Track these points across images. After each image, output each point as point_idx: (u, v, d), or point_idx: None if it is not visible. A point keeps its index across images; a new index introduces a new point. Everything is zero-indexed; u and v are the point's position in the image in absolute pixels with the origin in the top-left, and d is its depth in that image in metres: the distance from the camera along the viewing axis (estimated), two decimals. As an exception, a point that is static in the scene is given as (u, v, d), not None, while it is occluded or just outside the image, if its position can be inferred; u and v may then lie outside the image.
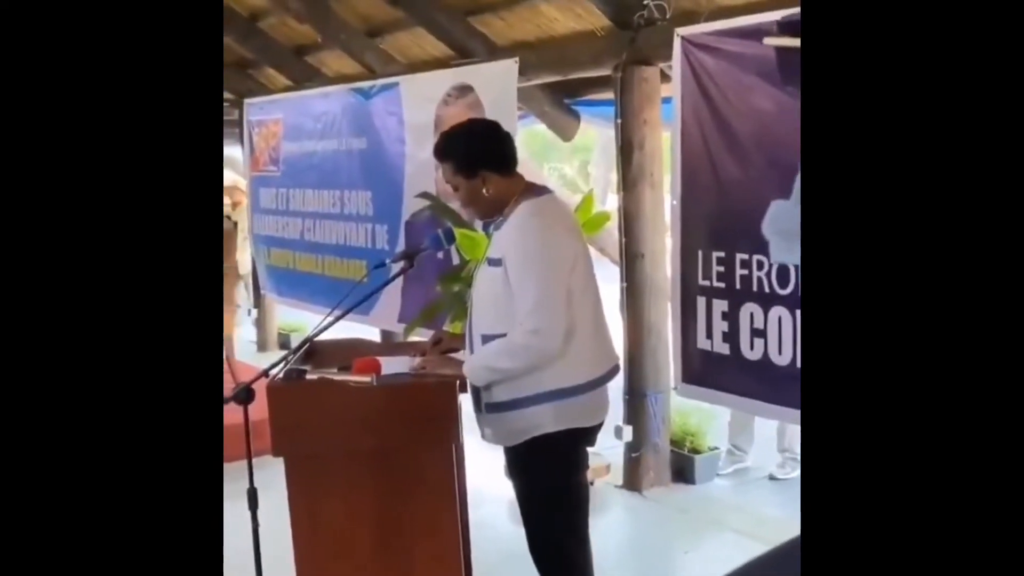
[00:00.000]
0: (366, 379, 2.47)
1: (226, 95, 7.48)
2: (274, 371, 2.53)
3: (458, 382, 2.54)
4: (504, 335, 2.45)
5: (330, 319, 2.63)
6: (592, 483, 4.37)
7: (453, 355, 2.72)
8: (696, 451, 4.53)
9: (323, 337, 2.75)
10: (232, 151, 8.96)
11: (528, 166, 5.86)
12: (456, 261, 4.46)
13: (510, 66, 4.53)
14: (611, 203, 4.56)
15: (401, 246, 5.36)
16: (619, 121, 4.25)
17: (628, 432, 4.37)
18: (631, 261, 4.29)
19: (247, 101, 6.98)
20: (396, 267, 2.79)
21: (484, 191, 2.54)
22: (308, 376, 2.51)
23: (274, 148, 6.71)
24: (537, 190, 2.58)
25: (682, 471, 4.52)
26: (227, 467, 3.63)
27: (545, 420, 2.47)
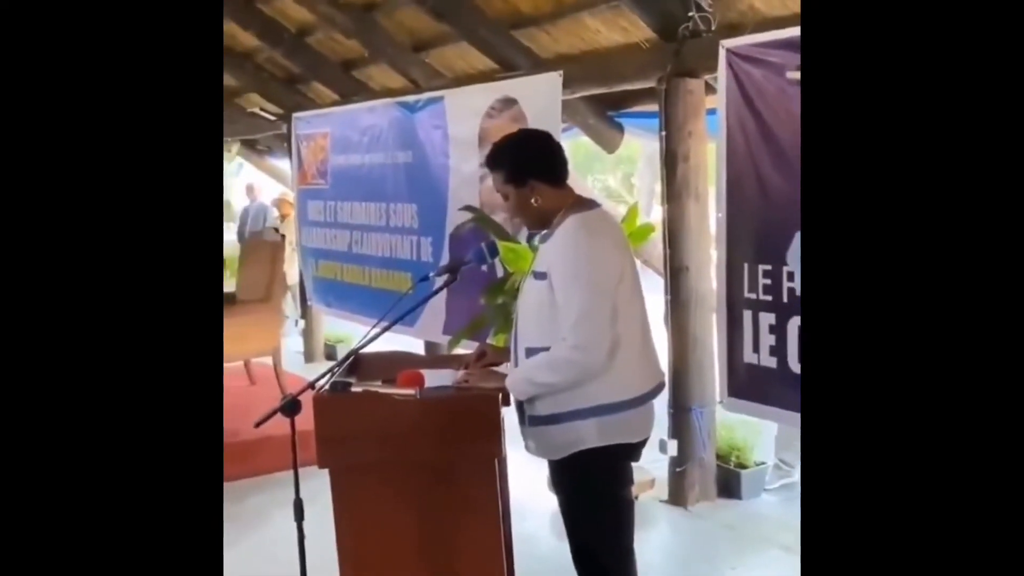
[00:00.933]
0: (410, 392, 2.48)
1: (275, 109, 7.59)
2: (320, 383, 2.56)
3: (501, 395, 2.55)
4: (548, 349, 2.45)
5: (375, 331, 2.65)
6: (637, 498, 4.34)
7: (496, 368, 2.72)
8: (742, 466, 4.48)
9: (368, 349, 2.78)
10: (281, 164, 9.10)
11: (571, 178, 5.87)
12: (500, 273, 4.48)
13: (554, 79, 4.54)
14: (655, 215, 4.55)
15: (445, 258, 5.38)
16: (663, 133, 4.23)
17: (673, 446, 4.34)
18: (675, 274, 4.27)
19: (295, 115, 7.08)
20: (440, 280, 2.80)
21: (533, 201, 2.54)
22: (353, 388, 2.53)
23: (322, 161, 6.79)
24: (586, 203, 2.58)
25: (728, 486, 4.48)
26: (274, 477, 3.68)
27: (589, 435, 2.46)
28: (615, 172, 21.48)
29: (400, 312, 2.64)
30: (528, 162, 2.55)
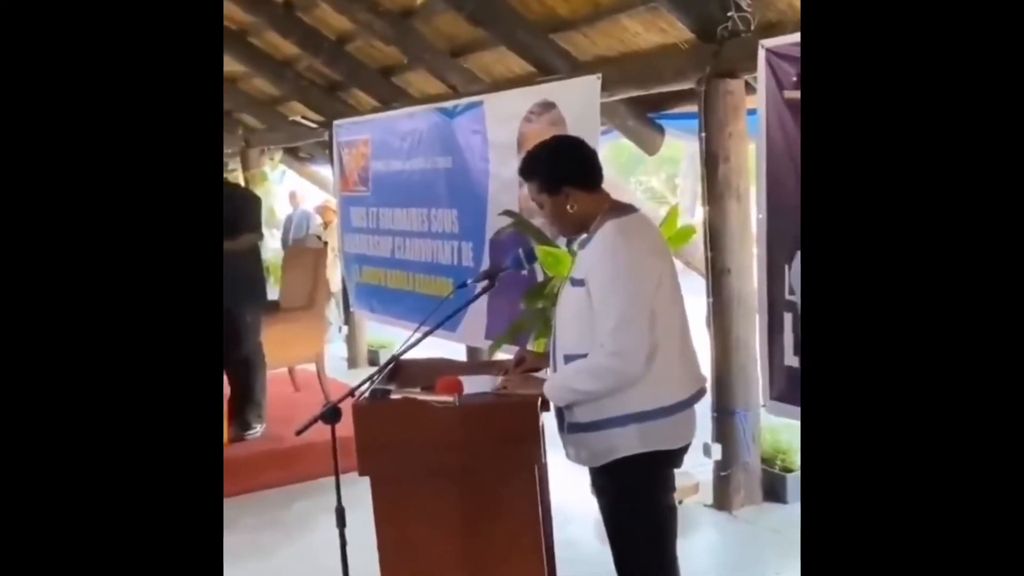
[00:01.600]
0: (449, 399, 2.49)
1: (316, 117, 7.66)
2: (360, 391, 2.57)
3: (540, 401, 2.54)
4: (587, 355, 2.43)
5: (415, 338, 2.65)
6: (681, 502, 4.30)
7: (535, 374, 2.71)
8: (788, 469, 4.42)
9: (409, 355, 2.78)
10: (323, 171, 9.18)
11: (612, 180, 5.85)
12: (540, 278, 4.47)
13: (592, 82, 4.52)
14: (699, 215, 4.51)
15: (486, 263, 5.39)
16: (703, 134, 4.20)
17: (717, 450, 4.30)
18: (717, 276, 4.23)
19: (336, 123, 7.13)
20: (478, 287, 2.80)
21: (568, 208, 2.53)
22: (392, 396, 2.54)
23: (363, 168, 6.83)
24: (623, 208, 2.56)
25: (773, 490, 4.42)
26: (319, 482, 3.69)
27: (629, 442, 2.44)
28: (658, 173, 21.37)
29: (439, 319, 2.65)
30: (562, 169, 2.54)
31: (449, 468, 2.49)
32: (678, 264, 4.09)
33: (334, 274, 8.14)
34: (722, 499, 4.37)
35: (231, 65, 7.79)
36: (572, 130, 4.53)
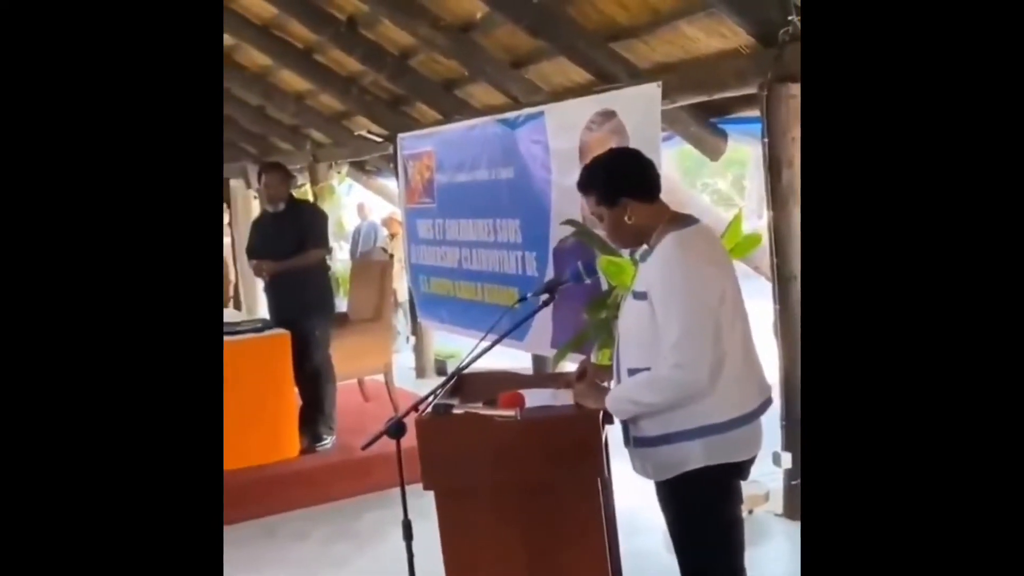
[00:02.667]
0: (510, 414, 2.50)
1: (380, 131, 7.76)
2: (423, 405, 2.60)
3: (602, 415, 2.54)
4: (650, 368, 2.43)
5: (476, 352, 2.67)
6: (751, 512, 4.25)
7: (598, 387, 2.71)
8: (861, 478, 4.32)
9: (474, 365, 2.80)
10: (389, 183, 9.29)
11: (677, 185, 5.81)
12: (604, 287, 4.46)
13: (653, 90, 4.50)
14: (767, 217, 4.44)
15: (550, 273, 5.40)
16: (766, 140, 4.15)
17: (787, 459, 4.23)
18: (784, 283, 4.17)
19: (400, 136, 7.22)
20: (538, 300, 2.81)
21: (627, 219, 2.53)
22: (455, 411, 2.56)
23: (428, 180, 6.89)
24: (683, 220, 2.54)
25: (846, 499, 4.33)
26: (389, 493, 3.74)
27: (694, 455, 2.43)
28: (725, 175, 21.13)
29: (501, 332, 2.66)
30: (618, 181, 2.54)
31: (512, 483, 2.50)
32: (745, 269, 4.05)
33: (401, 285, 8.23)
34: (793, 508, 4.30)
35: (299, 83, 7.95)
36: (633, 138, 4.52)
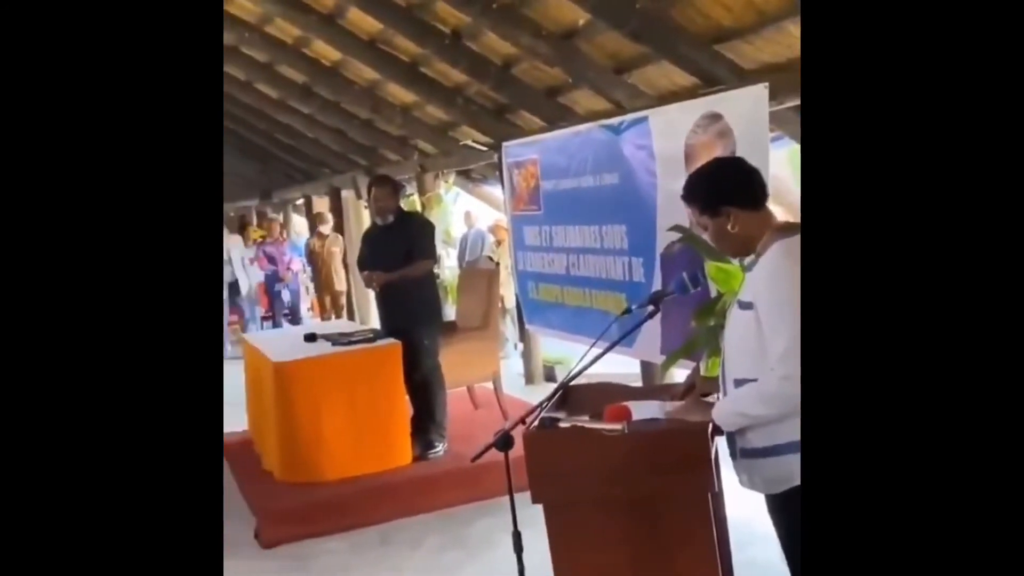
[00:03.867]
0: (617, 427, 2.49)
1: (485, 139, 7.84)
2: (529, 419, 2.62)
3: (711, 427, 2.50)
4: (757, 380, 2.38)
5: (584, 363, 2.68)
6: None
7: (706, 399, 2.68)
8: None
9: (581, 370, 2.79)
10: (495, 191, 9.38)
11: (787, 186, 5.68)
12: (713, 293, 4.39)
13: (760, 91, 4.41)
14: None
15: (657, 279, 5.35)
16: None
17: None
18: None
19: (505, 144, 7.27)
20: (644, 312, 2.79)
21: (731, 228, 2.50)
22: (561, 424, 2.57)
23: (533, 187, 6.92)
24: (791, 228, 2.49)
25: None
26: (498, 501, 3.77)
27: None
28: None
29: (609, 341, 2.67)
30: (720, 190, 2.51)
31: (620, 497, 2.49)
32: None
33: (508, 291, 8.28)
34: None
35: (406, 95, 8.10)
36: (740, 140, 4.44)
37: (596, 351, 2.67)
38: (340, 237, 11.84)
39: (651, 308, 2.74)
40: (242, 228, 14.07)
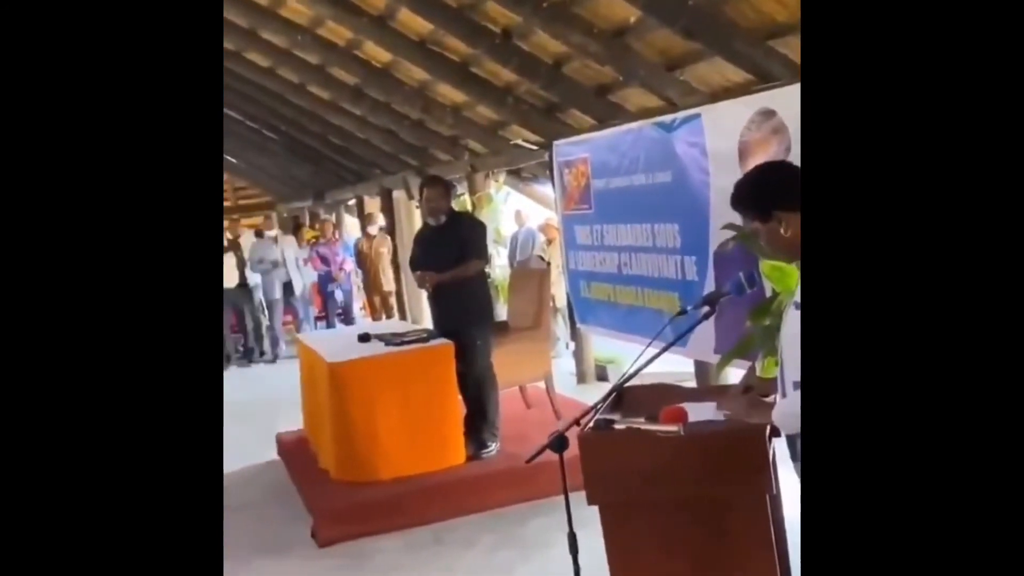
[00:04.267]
0: (673, 428, 2.47)
1: (536, 138, 7.83)
2: (584, 420, 2.61)
3: (769, 429, 2.47)
4: (816, 381, 2.35)
5: (638, 365, 2.66)
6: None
7: (764, 400, 2.64)
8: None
9: (636, 371, 2.78)
10: (545, 190, 9.38)
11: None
12: (768, 292, 4.34)
13: (814, 87, 4.35)
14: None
15: (710, 278, 5.30)
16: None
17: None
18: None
19: (556, 143, 7.26)
20: (699, 313, 2.76)
21: (782, 232, 2.46)
22: (616, 426, 2.56)
23: (584, 186, 6.91)
24: None
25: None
26: (552, 501, 3.78)
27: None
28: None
29: (663, 342, 2.64)
30: (768, 195, 2.47)
31: (677, 499, 2.47)
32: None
33: (559, 290, 8.27)
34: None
35: (456, 95, 8.13)
36: (796, 137, 4.38)
37: (651, 352, 2.65)
38: (388, 238, 11.91)
39: (706, 309, 2.72)
40: (296, 229, 14.25)
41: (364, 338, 5.95)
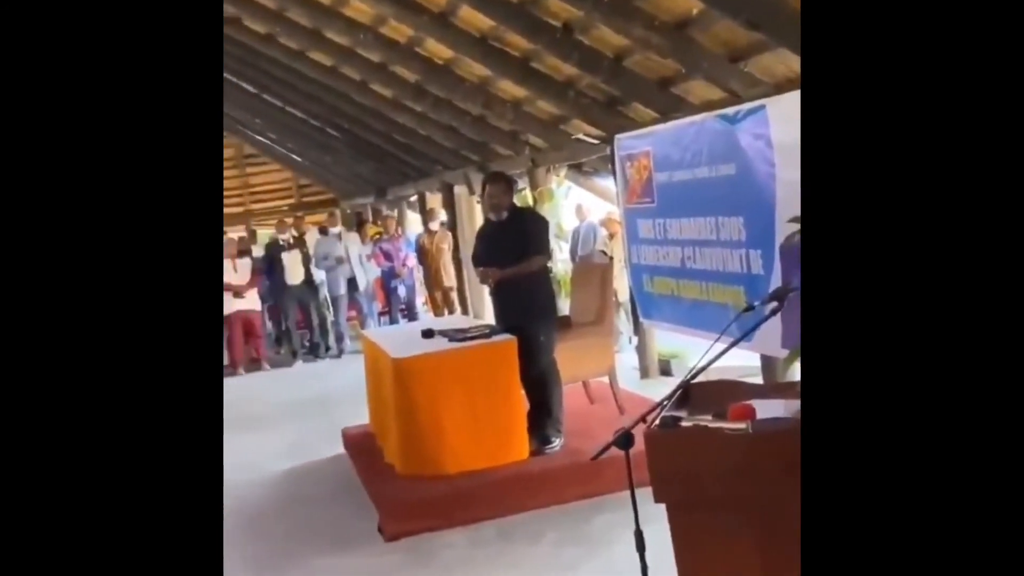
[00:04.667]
0: (741, 426, 2.44)
1: (597, 132, 7.80)
2: (650, 417, 2.60)
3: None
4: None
5: (704, 362, 2.64)
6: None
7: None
8: None
9: (703, 367, 2.75)
10: (606, 183, 9.33)
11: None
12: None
13: (884, 76, 4.26)
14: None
15: (776, 272, 5.23)
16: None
17: None
18: None
19: (617, 137, 7.22)
20: (767, 309, 2.73)
21: None
22: (683, 423, 2.54)
23: (647, 180, 6.86)
24: None
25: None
26: (617, 496, 3.75)
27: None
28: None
29: (730, 338, 2.62)
30: None
31: (745, 497, 2.44)
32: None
33: (621, 285, 8.23)
34: None
35: (517, 90, 8.13)
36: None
37: (718, 348, 2.63)
38: (449, 233, 11.96)
39: (774, 304, 2.68)
40: (359, 225, 14.40)
41: (428, 334, 5.99)
